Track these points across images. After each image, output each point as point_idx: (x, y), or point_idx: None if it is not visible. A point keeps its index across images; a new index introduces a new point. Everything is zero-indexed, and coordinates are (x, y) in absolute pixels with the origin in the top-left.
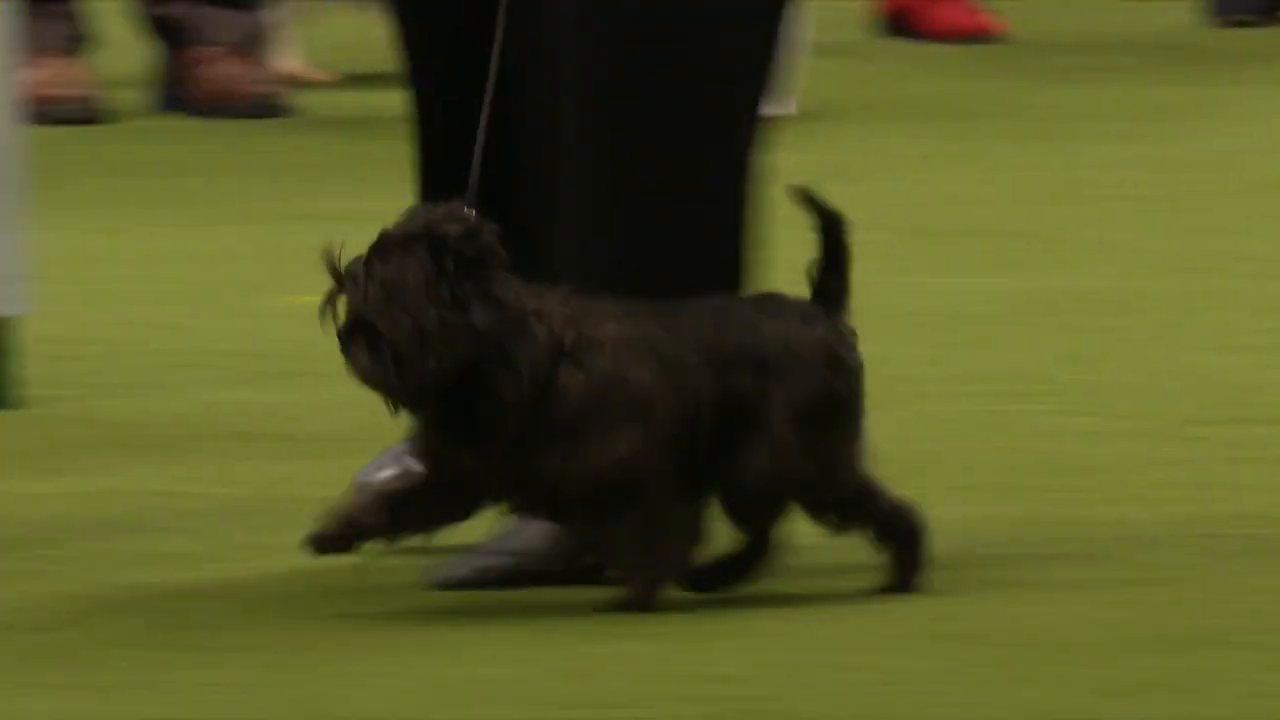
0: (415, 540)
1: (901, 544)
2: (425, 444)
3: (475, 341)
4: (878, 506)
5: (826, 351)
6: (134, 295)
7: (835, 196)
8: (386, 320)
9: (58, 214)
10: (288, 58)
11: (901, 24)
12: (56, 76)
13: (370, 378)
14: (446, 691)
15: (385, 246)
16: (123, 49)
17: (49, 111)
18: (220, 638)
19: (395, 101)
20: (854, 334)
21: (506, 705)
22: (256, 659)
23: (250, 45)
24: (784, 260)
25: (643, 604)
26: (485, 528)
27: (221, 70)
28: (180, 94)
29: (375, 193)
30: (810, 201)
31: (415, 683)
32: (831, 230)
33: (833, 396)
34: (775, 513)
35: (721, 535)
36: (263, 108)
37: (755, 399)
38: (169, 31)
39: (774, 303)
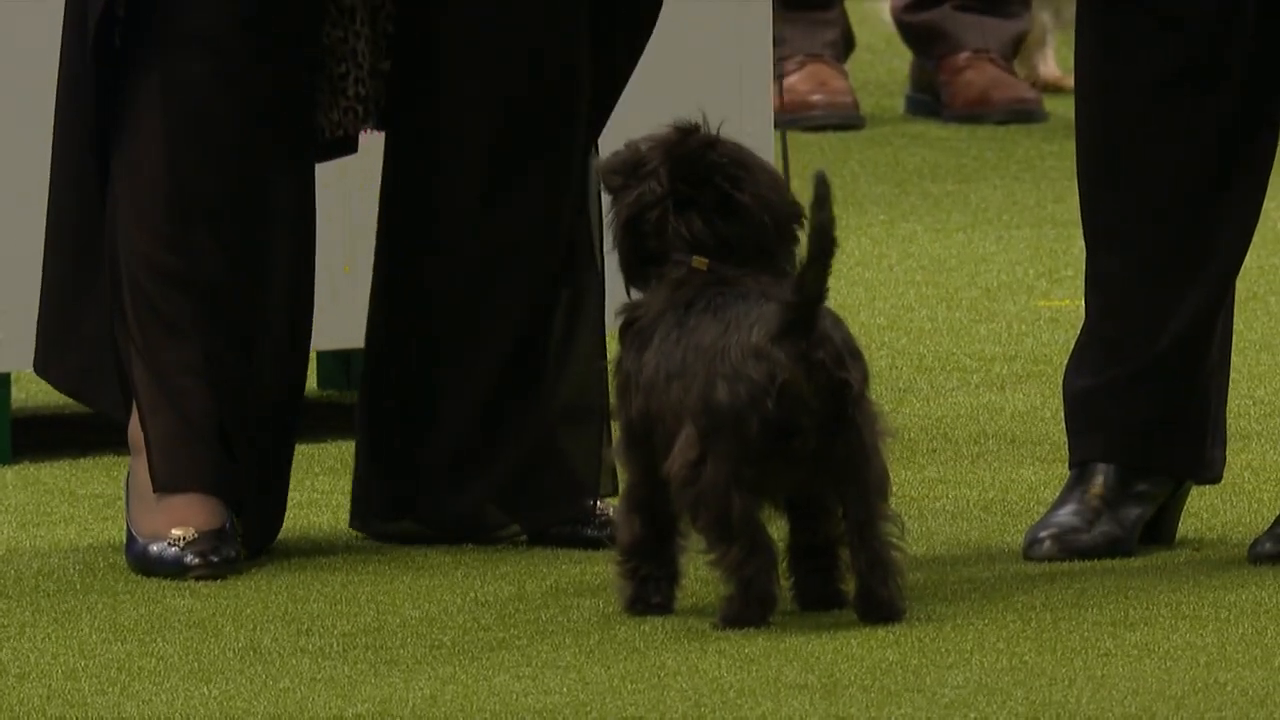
0: None
1: None
2: None
3: None
4: None
5: None
6: (888, 298)
7: None
8: None
9: None
10: (1048, 64)
11: None
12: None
13: None
14: None
15: None
16: (879, 55)
17: (806, 118)
18: (952, 639)
19: None
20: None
21: None
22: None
23: (1009, 52)
24: None
25: None
26: None
27: (979, 76)
28: (936, 100)
29: None
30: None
31: None
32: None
33: None
34: None
35: None
36: (1020, 113)
37: None
38: (926, 38)
39: None
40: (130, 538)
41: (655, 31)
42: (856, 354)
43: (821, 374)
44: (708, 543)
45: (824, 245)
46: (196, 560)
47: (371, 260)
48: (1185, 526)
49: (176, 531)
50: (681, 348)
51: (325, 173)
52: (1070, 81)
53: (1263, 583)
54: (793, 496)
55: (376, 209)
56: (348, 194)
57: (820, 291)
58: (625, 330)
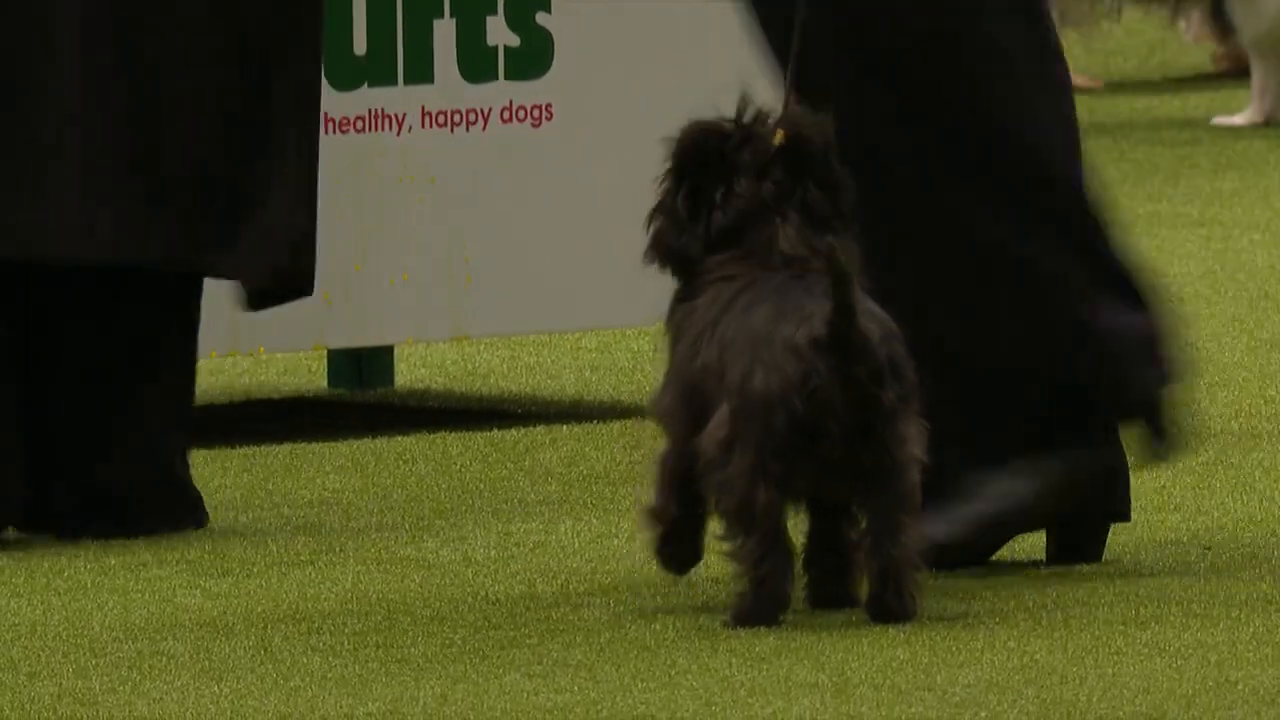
0: None
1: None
2: None
3: None
4: None
5: None
6: None
7: None
8: None
9: None
10: None
11: None
12: None
13: None
14: None
15: None
16: None
17: None
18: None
19: (1157, 107)
20: None
21: None
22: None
23: None
24: None
25: None
26: None
27: None
28: None
29: (1150, 196)
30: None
31: None
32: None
33: None
34: None
35: None
36: None
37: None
38: None
39: None
40: None
41: (659, 34)
42: (900, 372)
43: (855, 389)
44: (727, 530)
45: (846, 314)
46: None
47: (381, 258)
48: (1195, 524)
49: None
50: (739, 321)
51: (339, 171)
52: (1082, 82)
53: (1273, 580)
54: (817, 497)
55: (386, 208)
56: (359, 193)
57: (851, 327)
58: (720, 274)
